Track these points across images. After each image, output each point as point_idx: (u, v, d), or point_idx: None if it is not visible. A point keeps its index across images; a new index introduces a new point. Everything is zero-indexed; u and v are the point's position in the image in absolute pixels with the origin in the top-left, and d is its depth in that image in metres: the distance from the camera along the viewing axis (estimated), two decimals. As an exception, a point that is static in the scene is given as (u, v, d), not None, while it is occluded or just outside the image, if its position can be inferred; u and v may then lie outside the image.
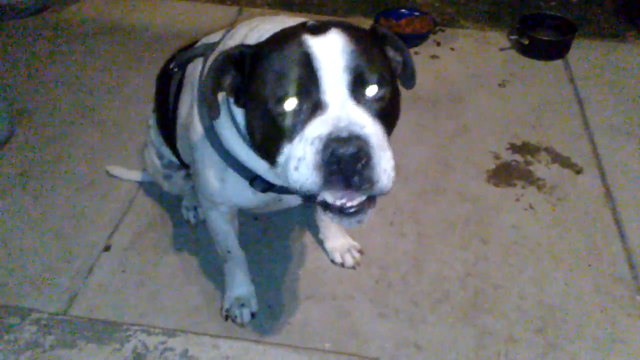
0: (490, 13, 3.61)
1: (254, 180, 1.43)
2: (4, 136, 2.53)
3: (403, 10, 3.46)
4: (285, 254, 2.12)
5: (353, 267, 2.06)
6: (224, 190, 1.51)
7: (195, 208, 2.22)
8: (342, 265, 2.06)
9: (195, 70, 1.54)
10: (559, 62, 3.22)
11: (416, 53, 3.25)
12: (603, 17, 3.59)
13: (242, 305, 1.87)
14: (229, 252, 1.81)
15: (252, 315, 1.88)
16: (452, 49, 3.34)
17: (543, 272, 2.06)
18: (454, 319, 1.90)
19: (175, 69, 1.66)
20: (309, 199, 1.18)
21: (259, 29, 1.36)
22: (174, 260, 2.08)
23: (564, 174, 2.48)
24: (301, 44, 1.14)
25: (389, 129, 1.20)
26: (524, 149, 2.62)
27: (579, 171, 2.50)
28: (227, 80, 1.24)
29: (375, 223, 2.23)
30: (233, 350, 1.72)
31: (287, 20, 1.35)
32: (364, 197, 1.16)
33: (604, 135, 2.69)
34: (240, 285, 1.89)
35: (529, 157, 2.57)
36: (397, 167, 1.15)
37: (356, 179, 1.08)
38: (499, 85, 3.06)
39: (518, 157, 2.57)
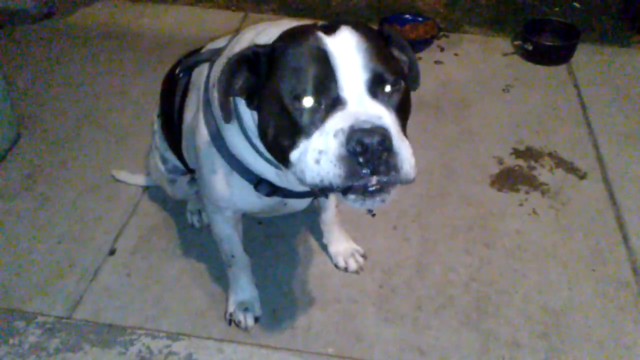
0: (494, 18, 3.62)
1: (259, 184, 1.44)
2: (10, 140, 2.55)
3: (407, 16, 3.48)
4: (289, 259, 2.12)
5: (356, 272, 2.06)
6: (229, 195, 1.52)
7: (199, 212, 2.23)
8: (346, 269, 2.07)
9: (202, 75, 1.55)
10: (562, 68, 3.23)
11: (420, 58, 3.25)
12: (607, 23, 3.60)
13: (246, 309, 1.88)
14: (233, 256, 1.82)
15: (256, 319, 1.89)
16: (456, 55, 3.34)
17: (547, 277, 2.06)
18: (457, 323, 1.90)
19: (181, 74, 1.67)
20: (326, 190, 1.15)
21: (266, 33, 1.37)
22: (179, 265, 2.09)
23: (567, 179, 2.48)
24: (317, 42, 1.16)
25: (404, 123, 1.22)
26: (528, 153, 2.62)
27: (582, 176, 2.50)
28: (240, 82, 1.24)
29: (378, 227, 2.23)
30: (237, 354, 1.72)
31: (293, 25, 1.37)
32: (388, 193, 1.14)
33: (608, 140, 2.69)
34: (244, 289, 1.90)
35: (532, 162, 2.57)
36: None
37: (382, 167, 1.09)
38: (503, 90, 3.06)
39: (522, 162, 2.57)
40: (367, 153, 1.07)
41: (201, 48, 1.74)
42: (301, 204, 1.66)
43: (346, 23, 1.21)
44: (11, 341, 1.74)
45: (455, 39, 3.47)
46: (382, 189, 1.13)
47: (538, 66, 3.23)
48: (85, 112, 2.79)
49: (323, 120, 1.12)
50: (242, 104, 1.31)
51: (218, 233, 1.76)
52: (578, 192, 2.42)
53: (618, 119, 2.83)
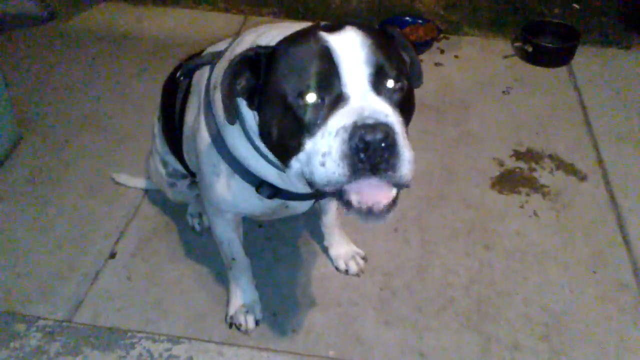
0: (494, 20, 3.62)
1: (261, 186, 1.44)
2: (11, 143, 2.55)
3: (407, 18, 3.48)
4: (289, 261, 2.12)
5: (357, 274, 2.06)
6: (230, 197, 1.52)
7: (200, 215, 2.23)
8: (347, 272, 2.07)
9: (202, 78, 1.55)
10: (562, 69, 3.23)
11: (420, 61, 3.23)
12: (607, 24, 3.59)
13: (247, 312, 1.88)
14: (233, 259, 1.82)
15: (257, 322, 1.89)
16: (456, 57, 3.35)
17: (547, 279, 2.06)
18: (458, 325, 1.90)
19: (182, 78, 1.68)
20: (335, 195, 1.16)
21: (267, 35, 1.37)
22: (179, 268, 2.09)
23: (568, 181, 2.48)
24: (319, 40, 1.16)
25: (406, 122, 1.22)
26: (528, 155, 2.62)
27: (583, 178, 2.50)
28: (242, 83, 1.25)
29: (379, 230, 2.23)
30: (238, 357, 1.72)
31: (294, 27, 1.37)
32: (389, 192, 1.15)
33: (608, 142, 2.69)
34: (245, 292, 1.90)
35: (533, 164, 2.57)
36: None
37: (383, 165, 1.08)
38: (503, 92, 3.06)
39: (522, 164, 2.57)
40: (369, 150, 1.06)
41: (202, 51, 1.74)
42: (303, 206, 1.66)
43: (349, 22, 1.22)
44: (12, 345, 1.75)
45: (455, 41, 3.48)
46: (384, 209, 1.14)
47: (538, 68, 3.23)
48: (86, 115, 2.80)
49: (326, 117, 1.12)
50: (243, 105, 1.32)
51: (219, 236, 1.76)
52: (579, 194, 2.42)
53: (618, 120, 2.83)
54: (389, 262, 2.11)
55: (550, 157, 2.61)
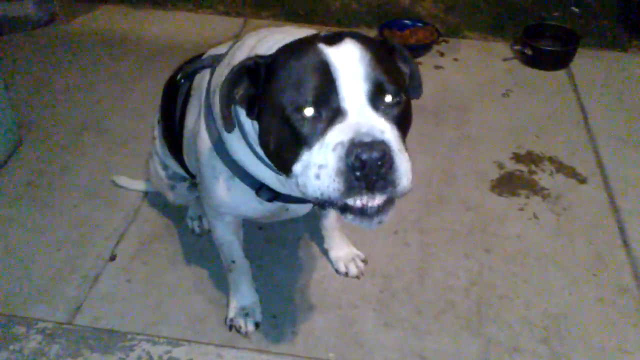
0: (494, 23, 3.63)
1: (261, 189, 1.44)
2: (11, 146, 2.56)
3: (406, 21, 3.49)
4: (289, 264, 2.12)
5: (357, 277, 2.06)
6: (230, 200, 1.52)
7: (200, 218, 2.23)
8: (346, 274, 2.07)
9: (203, 80, 1.56)
10: (562, 72, 3.24)
11: (420, 63, 3.26)
12: (606, 27, 3.60)
13: (247, 315, 1.88)
14: (233, 261, 1.82)
15: (257, 325, 1.88)
16: (456, 60, 3.35)
17: (547, 282, 2.06)
18: (458, 328, 1.90)
19: (183, 80, 1.68)
20: (326, 204, 1.17)
21: (267, 40, 1.37)
22: (179, 270, 2.09)
23: (568, 184, 2.48)
24: (318, 53, 1.16)
25: (404, 135, 1.22)
26: (528, 158, 2.62)
27: (583, 181, 2.50)
28: (240, 92, 1.25)
29: (379, 232, 2.23)
30: None
31: (295, 31, 1.37)
32: (384, 197, 1.15)
33: (608, 144, 2.70)
34: (245, 294, 1.90)
35: (532, 167, 2.57)
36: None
37: (380, 183, 1.09)
38: (503, 95, 3.07)
39: (522, 167, 2.57)
40: (365, 168, 1.07)
41: (202, 54, 1.75)
42: (303, 209, 1.67)
43: (350, 34, 1.21)
44: (12, 347, 1.74)
45: (454, 44, 3.48)
46: (380, 210, 1.14)
47: (538, 71, 3.24)
48: (86, 118, 2.80)
49: (324, 131, 1.12)
50: (242, 113, 1.32)
51: (219, 238, 1.76)
52: (578, 197, 2.42)
53: (618, 123, 2.83)
54: (389, 265, 2.11)
55: (550, 159, 2.61)
